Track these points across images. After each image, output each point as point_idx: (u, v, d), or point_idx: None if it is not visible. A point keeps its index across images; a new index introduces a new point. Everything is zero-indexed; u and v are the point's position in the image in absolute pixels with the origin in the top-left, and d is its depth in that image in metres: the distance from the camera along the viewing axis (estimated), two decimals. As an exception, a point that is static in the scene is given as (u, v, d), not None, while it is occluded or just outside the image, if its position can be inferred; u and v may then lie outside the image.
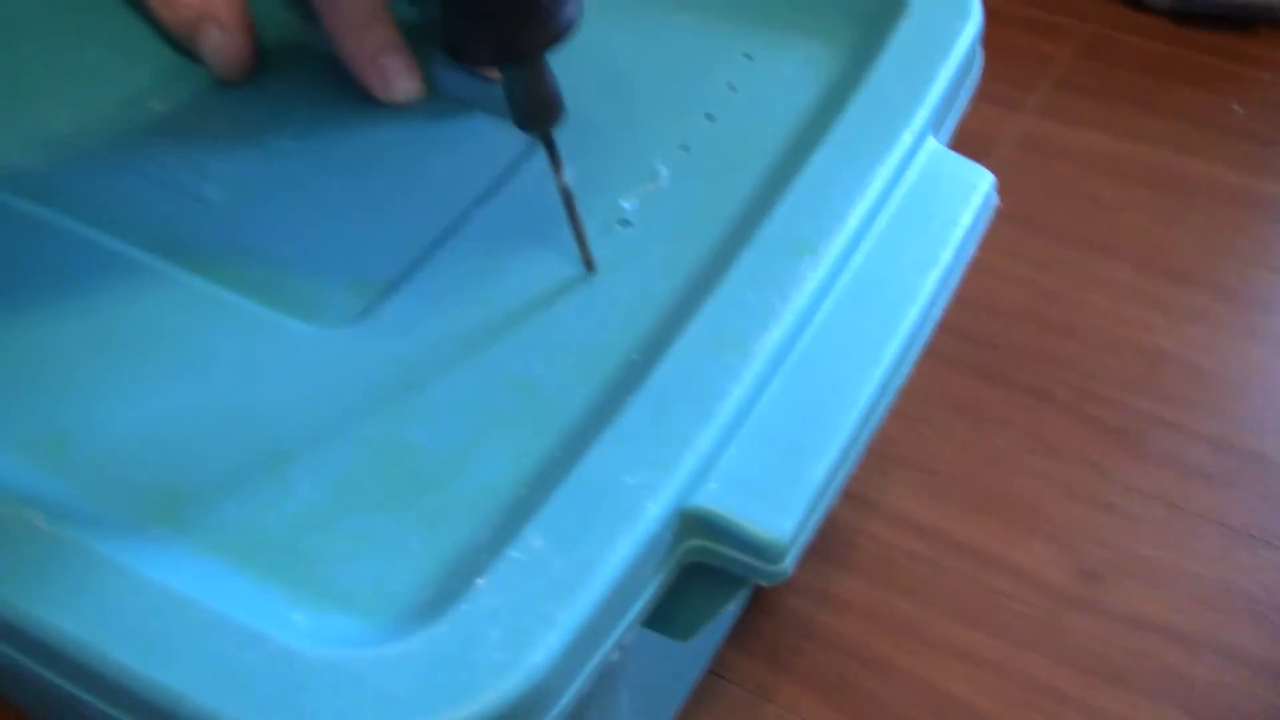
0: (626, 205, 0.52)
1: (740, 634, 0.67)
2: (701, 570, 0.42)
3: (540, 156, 0.50)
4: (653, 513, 0.40)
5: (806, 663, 0.67)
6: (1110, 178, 0.91)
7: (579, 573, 0.38)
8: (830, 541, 0.70)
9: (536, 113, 0.48)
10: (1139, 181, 0.91)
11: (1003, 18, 1.06)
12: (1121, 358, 0.79)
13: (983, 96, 0.91)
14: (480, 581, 0.39)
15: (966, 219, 0.50)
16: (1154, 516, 0.71)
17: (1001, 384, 0.78)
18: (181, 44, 0.59)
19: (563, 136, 0.50)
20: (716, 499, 0.41)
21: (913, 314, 0.47)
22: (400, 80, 0.56)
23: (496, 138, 0.54)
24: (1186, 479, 0.73)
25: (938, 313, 0.49)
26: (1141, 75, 1.00)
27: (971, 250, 0.51)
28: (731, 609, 0.65)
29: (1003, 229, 0.84)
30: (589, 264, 0.49)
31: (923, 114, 0.52)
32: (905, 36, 0.56)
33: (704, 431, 0.42)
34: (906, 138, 0.51)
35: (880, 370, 0.45)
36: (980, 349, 0.80)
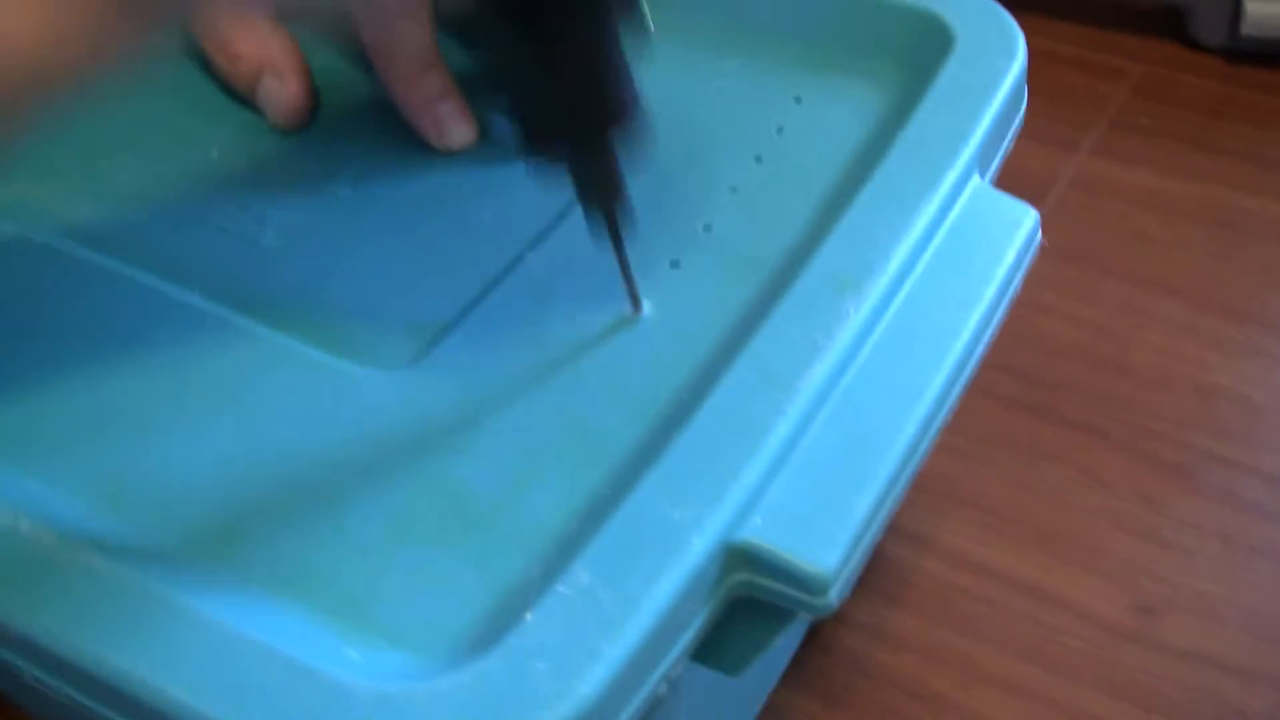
0: (675, 246, 0.53)
1: (796, 671, 0.67)
2: (749, 604, 0.43)
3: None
4: (698, 547, 0.41)
5: (862, 700, 0.67)
6: (1165, 215, 0.91)
7: (625, 606, 0.39)
8: (885, 579, 0.71)
9: (603, 191, 0.49)
10: (1194, 219, 0.91)
11: (1058, 59, 1.06)
12: (1176, 394, 0.79)
13: (1038, 137, 0.92)
14: (529, 616, 0.39)
15: (1011, 255, 0.51)
16: (1208, 551, 0.71)
17: (1056, 421, 0.78)
18: (241, 94, 0.60)
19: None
20: (762, 533, 0.41)
21: (956, 349, 0.47)
22: (455, 127, 0.58)
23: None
24: (1241, 513, 0.73)
25: (982, 348, 0.49)
26: (1196, 114, 1.00)
27: (1016, 286, 0.51)
28: (785, 646, 0.65)
29: (1058, 267, 0.85)
30: (636, 302, 0.51)
31: (967, 153, 0.53)
32: (950, 77, 0.56)
33: (749, 467, 0.43)
34: (951, 176, 0.52)
35: (924, 406, 0.45)
36: (1034, 387, 0.80)
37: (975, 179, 0.53)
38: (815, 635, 0.68)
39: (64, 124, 0.56)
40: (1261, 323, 0.83)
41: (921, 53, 0.58)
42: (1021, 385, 0.80)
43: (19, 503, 0.44)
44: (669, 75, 0.60)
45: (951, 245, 0.51)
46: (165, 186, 0.58)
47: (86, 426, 0.48)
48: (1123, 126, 0.99)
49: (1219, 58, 1.05)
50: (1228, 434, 0.77)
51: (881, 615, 0.69)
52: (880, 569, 0.71)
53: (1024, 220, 0.52)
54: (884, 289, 0.48)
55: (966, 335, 0.48)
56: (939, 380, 0.46)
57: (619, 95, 0.47)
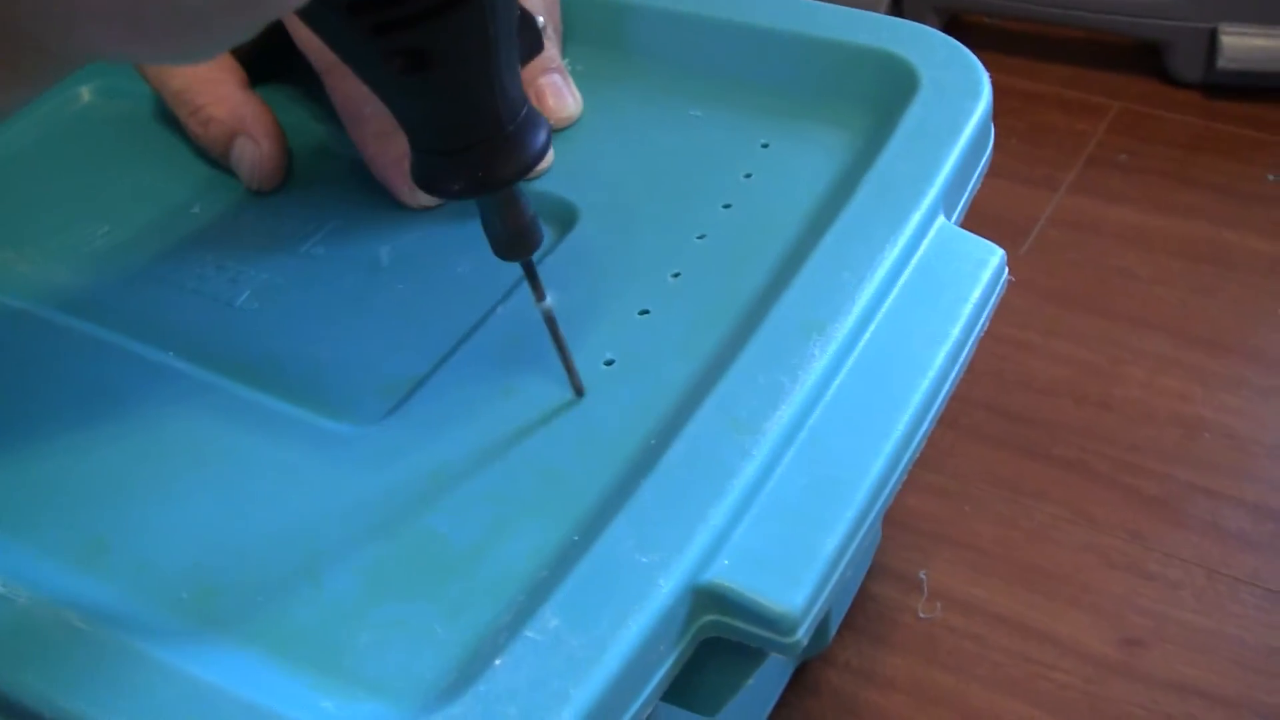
0: (644, 295, 0.53)
1: (786, 714, 0.68)
2: (719, 645, 0.43)
3: (561, 251, 0.51)
4: (665, 589, 0.41)
5: (854, 742, 0.68)
6: (1146, 251, 0.91)
7: (594, 650, 0.39)
8: (873, 619, 0.71)
9: (514, 243, 0.47)
10: (1174, 254, 0.91)
11: (1038, 99, 1.07)
12: (1159, 428, 0.80)
13: (1019, 177, 0.93)
14: (498, 662, 0.40)
15: (976, 294, 0.51)
16: (1194, 582, 0.71)
17: (1040, 458, 0.78)
18: (215, 157, 0.61)
19: (584, 226, 0.51)
20: (729, 575, 0.42)
21: (923, 387, 0.48)
22: (425, 186, 0.58)
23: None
24: (1225, 544, 0.73)
25: (950, 386, 0.49)
26: (1175, 149, 1.01)
27: (983, 324, 0.51)
28: (767, 686, 0.65)
29: (1040, 306, 0.85)
30: (578, 390, 0.50)
31: (932, 194, 0.53)
32: (915, 120, 0.57)
33: (716, 509, 0.43)
34: (916, 218, 0.52)
35: (890, 444, 0.46)
36: (1019, 424, 0.80)
37: (940, 219, 0.54)
38: (803, 677, 0.68)
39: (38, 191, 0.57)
40: (1243, 355, 0.84)
41: (887, 96, 0.59)
42: (1006, 424, 0.81)
43: (-7, 563, 0.45)
44: (638, 125, 0.61)
45: (917, 285, 0.51)
46: (140, 250, 0.58)
47: (63, 486, 0.49)
48: (1102, 163, 1.00)
49: (1197, 92, 1.06)
50: (1211, 466, 0.77)
51: (869, 656, 0.69)
52: (867, 609, 0.71)
53: (989, 259, 0.52)
54: (850, 330, 0.49)
55: (933, 373, 0.48)
56: (905, 418, 0.47)
57: (522, 147, 0.45)
